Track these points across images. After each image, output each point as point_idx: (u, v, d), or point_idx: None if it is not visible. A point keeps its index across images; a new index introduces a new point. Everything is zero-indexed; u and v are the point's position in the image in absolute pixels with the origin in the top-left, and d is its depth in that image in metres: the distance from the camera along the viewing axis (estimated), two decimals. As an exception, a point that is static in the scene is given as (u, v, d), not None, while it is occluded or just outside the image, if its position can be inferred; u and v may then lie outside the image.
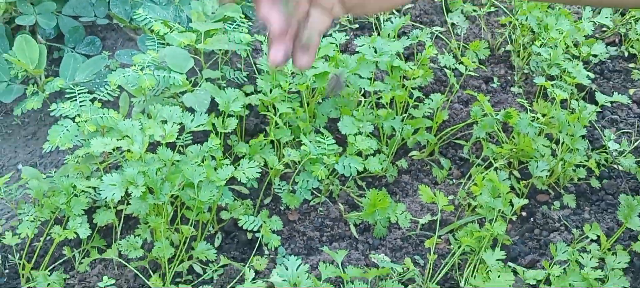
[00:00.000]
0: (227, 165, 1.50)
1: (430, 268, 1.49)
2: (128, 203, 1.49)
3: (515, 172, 1.75)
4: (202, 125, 1.54)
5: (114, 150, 1.51)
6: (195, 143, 1.61)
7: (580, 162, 1.72)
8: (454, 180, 1.76)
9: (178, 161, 1.49)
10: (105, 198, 1.39)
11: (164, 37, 1.78)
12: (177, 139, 1.54)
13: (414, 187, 1.73)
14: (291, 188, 1.67)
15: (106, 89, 1.75)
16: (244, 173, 1.48)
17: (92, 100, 1.64)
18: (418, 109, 1.81)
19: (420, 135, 1.78)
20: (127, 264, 1.49)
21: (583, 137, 1.76)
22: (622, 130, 1.90)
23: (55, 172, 1.64)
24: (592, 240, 1.57)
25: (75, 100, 1.61)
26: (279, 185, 1.68)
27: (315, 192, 1.69)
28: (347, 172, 1.58)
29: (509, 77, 2.06)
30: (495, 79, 2.06)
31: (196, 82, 1.80)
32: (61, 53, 2.04)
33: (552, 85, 1.81)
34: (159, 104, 1.58)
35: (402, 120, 1.76)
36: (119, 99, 1.81)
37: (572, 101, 1.83)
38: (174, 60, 1.71)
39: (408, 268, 1.49)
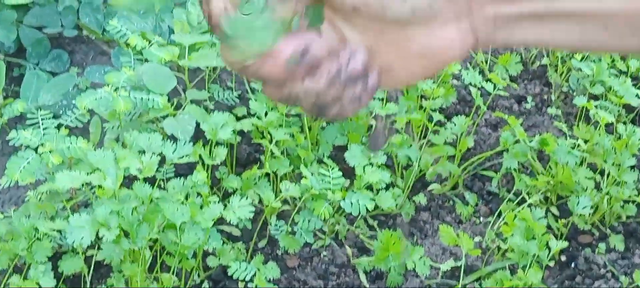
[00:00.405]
0: (215, 202, 1.49)
1: (453, 324, 1.49)
2: (99, 248, 1.49)
3: (553, 209, 1.75)
4: (186, 156, 1.54)
5: (83, 185, 1.51)
6: (178, 177, 1.60)
7: (629, 197, 1.71)
8: (481, 219, 1.76)
9: (158, 198, 1.49)
10: (73, 242, 1.39)
11: (142, 51, 1.78)
12: (156, 172, 1.54)
13: (434, 227, 1.73)
14: (290, 229, 1.67)
15: (74, 113, 1.75)
16: (234, 212, 1.48)
17: (58, 127, 1.64)
18: (438, 135, 1.81)
19: (441, 165, 1.78)
20: (97, 320, 1.49)
21: (632, 167, 1.75)
22: (678, 159, 1.90)
23: (14, 211, 1.64)
24: (644, 290, 1.56)
25: (39, 126, 1.61)
26: (276, 225, 1.67)
27: (318, 234, 1.68)
28: (356, 210, 1.57)
29: (545, 96, 2.06)
30: (529, 99, 2.06)
31: (179, 105, 1.80)
32: (22, 70, 2.04)
33: (595, 106, 1.81)
34: (135, 131, 1.58)
35: (420, 148, 1.76)
36: (89, 125, 1.81)
37: (619, 125, 1.83)
38: (153, 79, 1.71)
39: (427, 324, 1.48)
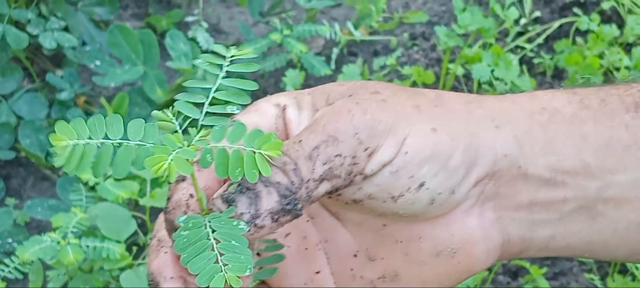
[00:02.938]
0: None
1: None
2: None
3: None
4: (148, 321, 1.57)
5: None
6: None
7: None
8: None
9: None
10: None
11: (95, 187, 1.82)
12: (112, 340, 1.56)
13: None
14: None
15: (13, 262, 1.78)
16: None
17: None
18: (448, 286, 1.85)
19: (450, 325, 1.81)
20: None
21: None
22: None
23: None
24: None
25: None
26: None
27: None
28: None
29: (573, 237, 2.11)
30: (554, 240, 2.10)
31: (141, 251, 1.83)
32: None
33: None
34: (87, 289, 1.61)
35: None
36: (28, 272, 1.83)
37: (661, 277, 1.86)
38: (108, 224, 1.74)
39: None
